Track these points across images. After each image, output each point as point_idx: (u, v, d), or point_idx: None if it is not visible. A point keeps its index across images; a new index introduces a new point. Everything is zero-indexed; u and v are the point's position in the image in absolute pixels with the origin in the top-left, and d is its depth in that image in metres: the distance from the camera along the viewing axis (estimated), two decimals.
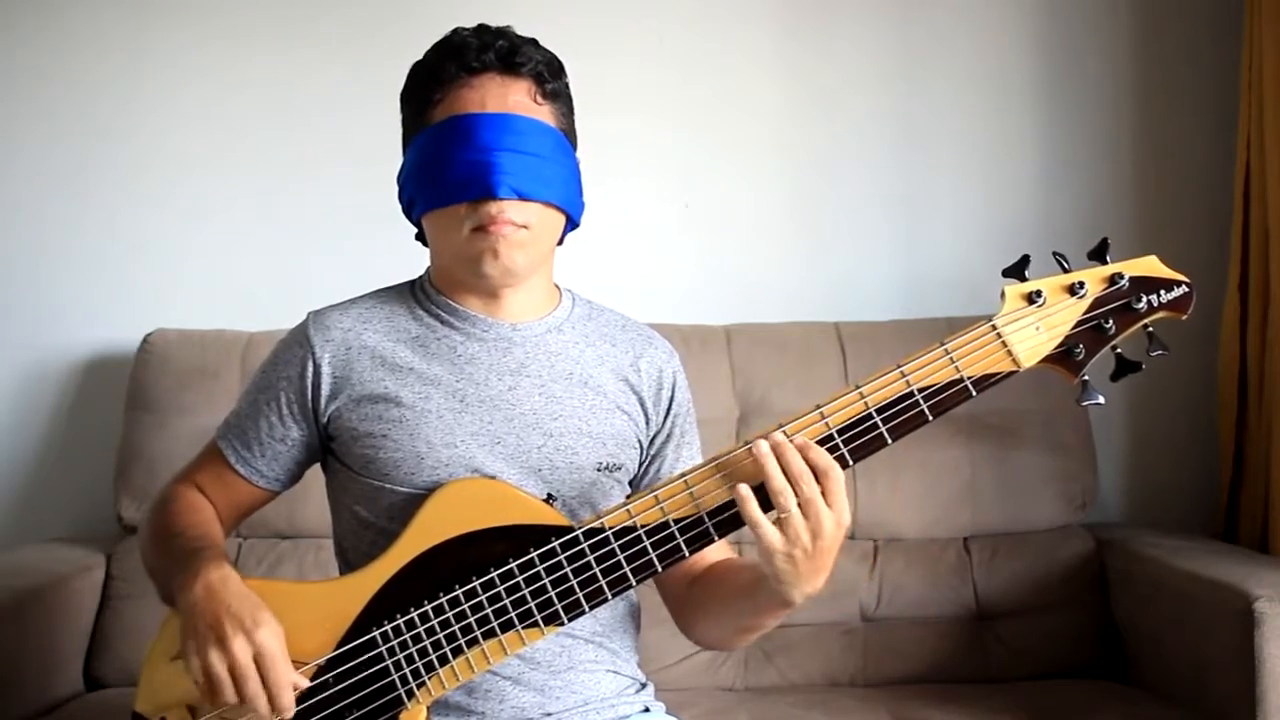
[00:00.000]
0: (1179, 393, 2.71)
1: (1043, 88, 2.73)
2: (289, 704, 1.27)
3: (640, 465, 1.56)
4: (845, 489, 1.25)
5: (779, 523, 1.25)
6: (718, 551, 1.50)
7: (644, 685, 1.55)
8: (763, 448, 1.25)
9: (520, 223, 1.42)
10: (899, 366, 1.30)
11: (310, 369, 1.47)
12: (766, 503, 1.25)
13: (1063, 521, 2.46)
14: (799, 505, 1.24)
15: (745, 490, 1.26)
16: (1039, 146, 2.74)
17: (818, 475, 1.24)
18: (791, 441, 1.26)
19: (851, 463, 1.29)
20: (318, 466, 1.56)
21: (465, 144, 1.41)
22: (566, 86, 1.51)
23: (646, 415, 1.55)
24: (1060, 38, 2.73)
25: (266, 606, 1.29)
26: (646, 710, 1.52)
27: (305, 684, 1.30)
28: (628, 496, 1.44)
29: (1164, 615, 2.19)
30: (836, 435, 1.29)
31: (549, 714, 1.42)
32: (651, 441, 1.57)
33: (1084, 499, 2.47)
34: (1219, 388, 2.59)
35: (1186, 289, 1.35)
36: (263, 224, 2.70)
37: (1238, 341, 2.54)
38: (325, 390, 1.47)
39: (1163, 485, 2.73)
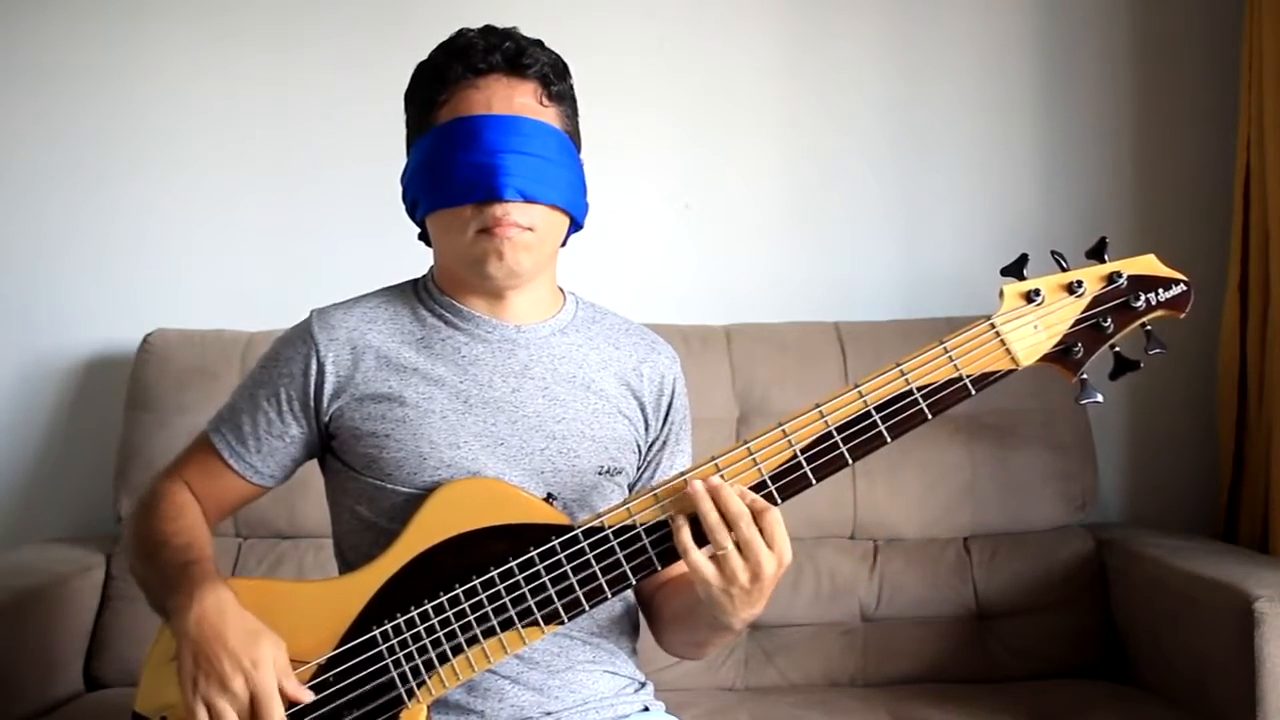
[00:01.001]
0: (1179, 393, 2.70)
1: (1043, 88, 2.73)
2: None
3: (638, 470, 1.57)
4: (784, 527, 1.27)
5: (715, 559, 1.26)
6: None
7: (643, 684, 1.55)
8: (697, 487, 1.26)
9: (525, 225, 1.42)
10: (898, 365, 1.30)
11: (314, 367, 1.47)
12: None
13: (1063, 521, 2.46)
14: (736, 545, 1.25)
15: (680, 519, 1.27)
16: (1039, 146, 2.74)
17: (755, 516, 1.25)
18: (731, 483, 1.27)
19: (851, 461, 1.29)
20: (316, 467, 1.56)
21: (471, 146, 1.41)
22: (572, 88, 1.52)
23: (647, 421, 1.56)
24: (1060, 38, 2.73)
25: (263, 633, 1.29)
26: (646, 709, 1.52)
27: (310, 698, 1.31)
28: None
29: (1164, 615, 2.19)
30: (836, 433, 1.29)
31: (549, 713, 1.42)
32: (650, 447, 1.57)
33: (1084, 499, 2.47)
34: (1219, 388, 2.59)
35: (1185, 287, 1.35)
36: (263, 224, 2.70)
37: (1238, 341, 2.54)
38: (328, 389, 1.46)
39: (1163, 485, 2.73)
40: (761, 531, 1.25)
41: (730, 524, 1.25)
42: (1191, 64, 2.72)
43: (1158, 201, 2.72)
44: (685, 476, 1.31)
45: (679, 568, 1.36)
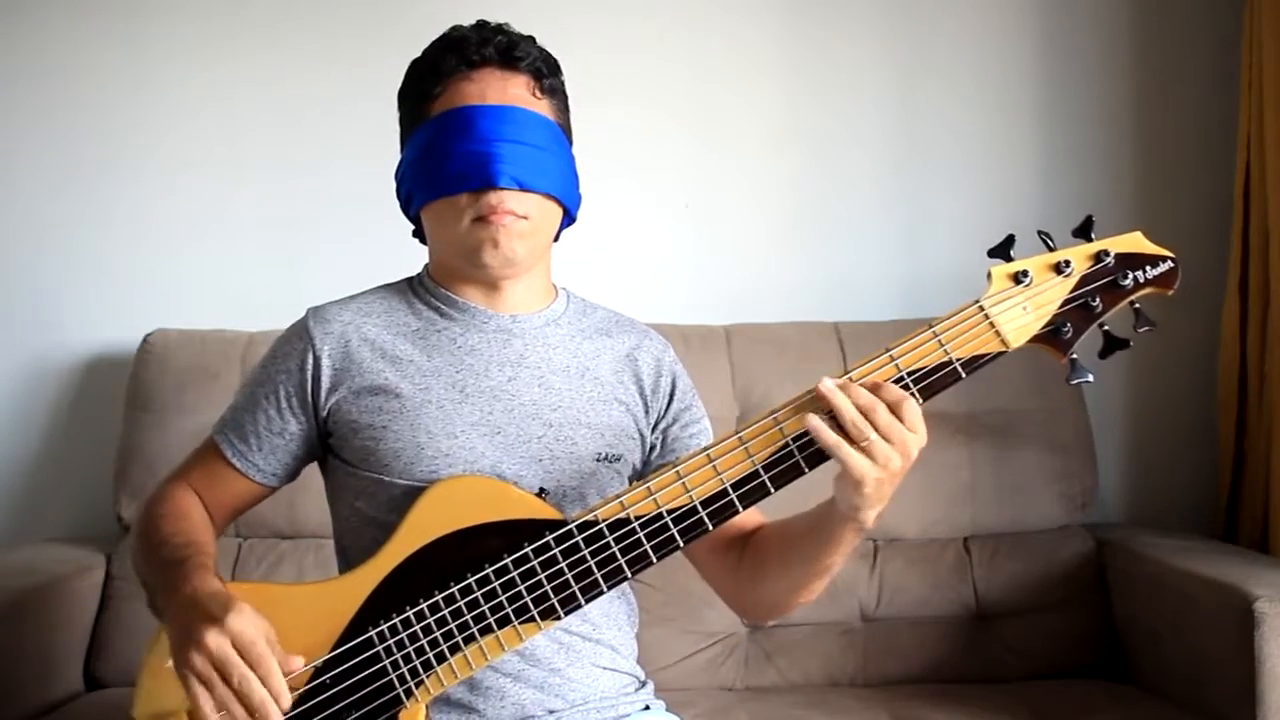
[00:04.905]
0: (1179, 393, 2.70)
1: (1043, 88, 2.73)
2: (280, 687, 1.22)
3: (642, 457, 1.57)
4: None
5: (862, 450, 1.24)
6: (754, 518, 1.49)
7: (643, 683, 1.55)
8: (828, 384, 1.25)
9: (520, 213, 1.44)
10: (888, 350, 1.30)
11: (310, 361, 1.48)
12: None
13: (1063, 521, 2.45)
14: (879, 433, 1.24)
15: (815, 419, 1.25)
16: (1039, 146, 2.73)
17: (893, 406, 1.24)
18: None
19: None
20: (315, 466, 1.56)
21: (465, 135, 1.42)
22: (563, 84, 1.54)
23: (646, 405, 1.56)
24: (1061, 38, 2.73)
25: (241, 600, 1.25)
26: (646, 708, 1.52)
27: (299, 666, 1.27)
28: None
29: (1164, 615, 2.19)
30: (827, 419, 1.28)
31: (550, 711, 1.42)
32: (656, 428, 1.57)
33: (1084, 499, 2.47)
34: (1219, 388, 2.59)
35: (1172, 264, 1.35)
36: (263, 224, 2.70)
37: (1238, 341, 2.54)
38: (325, 383, 1.47)
39: (1163, 485, 2.73)
40: (902, 418, 1.24)
41: (867, 414, 1.24)
42: (1192, 64, 2.72)
43: (1158, 201, 2.72)
44: (676, 469, 1.31)
45: (747, 520, 1.36)
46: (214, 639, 1.21)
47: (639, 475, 1.56)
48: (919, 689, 2.26)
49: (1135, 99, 2.73)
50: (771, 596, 1.48)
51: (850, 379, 1.27)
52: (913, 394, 1.28)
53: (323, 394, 1.48)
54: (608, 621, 1.50)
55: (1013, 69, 2.74)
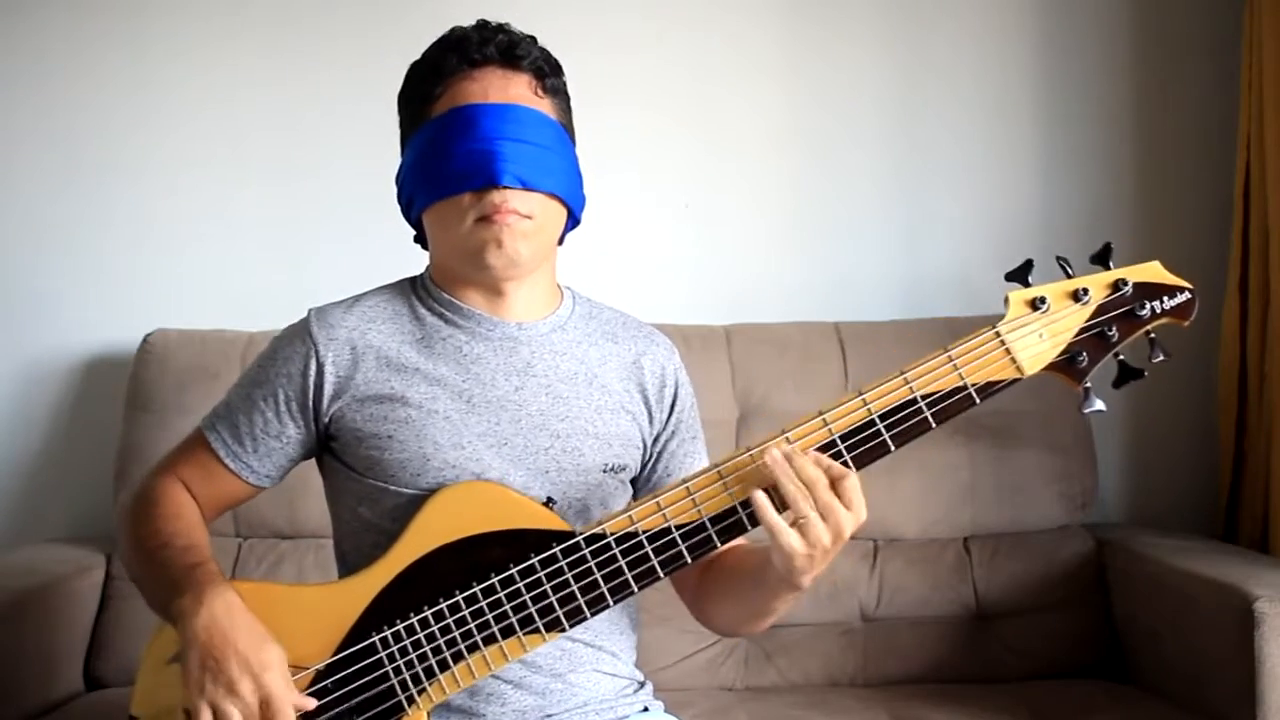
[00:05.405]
0: (1179, 393, 2.70)
1: (1043, 88, 2.73)
2: None
3: (644, 465, 1.56)
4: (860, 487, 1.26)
5: (797, 526, 1.25)
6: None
7: (642, 684, 1.54)
8: (775, 454, 1.25)
9: (524, 212, 1.42)
10: (903, 373, 1.29)
11: (313, 367, 1.46)
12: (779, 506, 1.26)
13: (1063, 521, 2.46)
14: (816, 510, 1.24)
15: (761, 497, 1.25)
16: (1039, 147, 2.73)
17: (833, 482, 1.25)
18: (802, 450, 1.26)
19: (855, 469, 1.29)
20: (312, 465, 1.55)
21: (468, 134, 1.41)
22: (565, 85, 1.52)
23: (650, 414, 1.55)
24: (1061, 38, 2.73)
25: (270, 637, 1.28)
26: (646, 710, 1.51)
27: (312, 705, 1.30)
28: (630, 501, 1.44)
29: (1164, 615, 2.19)
30: (839, 441, 1.29)
31: (550, 715, 1.42)
32: (656, 440, 1.56)
33: (1084, 499, 2.47)
34: (1219, 388, 2.59)
35: (1189, 296, 1.35)
36: (263, 224, 2.70)
37: (1238, 341, 2.54)
38: (328, 390, 1.45)
39: (1163, 485, 2.73)
40: (840, 495, 1.25)
41: (809, 488, 1.24)
42: (1192, 64, 2.72)
43: (1158, 201, 2.72)
44: (686, 484, 1.31)
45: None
46: (249, 692, 1.25)
47: (640, 483, 1.56)
48: (919, 689, 2.26)
49: (1135, 99, 2.73)
50: (722, 621, 1.53)
51: (789, 439, 1.29)
52: (926, 418, 1.29)
53: (325, 401, 1.46)
54: (612, 629, 1.50)
55: (1013, 69, 2.73)
